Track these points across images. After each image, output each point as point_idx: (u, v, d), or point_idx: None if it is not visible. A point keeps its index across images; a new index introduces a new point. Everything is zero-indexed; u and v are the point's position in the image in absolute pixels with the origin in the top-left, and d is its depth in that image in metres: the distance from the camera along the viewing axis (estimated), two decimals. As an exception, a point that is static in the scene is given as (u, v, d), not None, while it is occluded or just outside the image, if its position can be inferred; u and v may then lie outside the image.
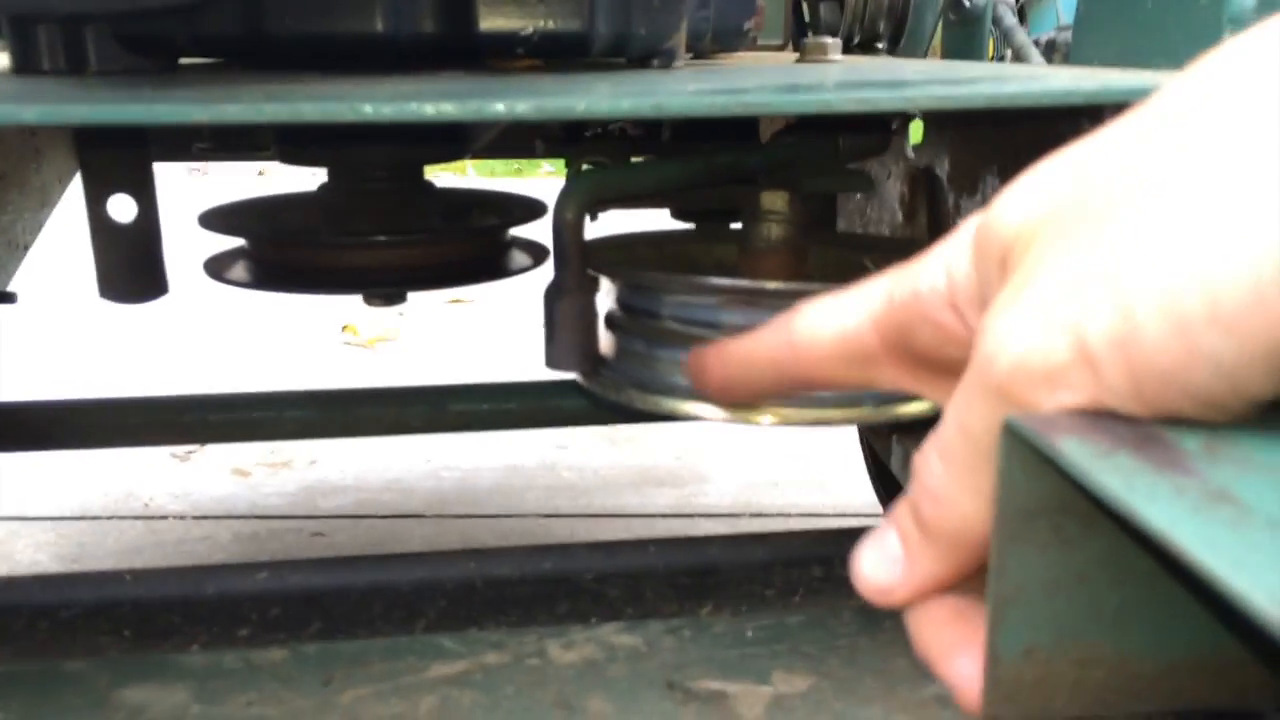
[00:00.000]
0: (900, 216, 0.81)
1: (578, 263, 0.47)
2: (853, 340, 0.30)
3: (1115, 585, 0.29)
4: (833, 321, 0.31)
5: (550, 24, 0.56)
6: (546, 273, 0.71)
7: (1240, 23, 0.47)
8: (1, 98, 0.37)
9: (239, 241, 0.68)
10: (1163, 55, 0.50)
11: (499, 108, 0.35)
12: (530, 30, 0.56)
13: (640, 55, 0.60)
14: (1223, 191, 0.21)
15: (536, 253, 0.74)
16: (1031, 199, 0.25)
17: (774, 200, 0.48)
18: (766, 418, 0.45)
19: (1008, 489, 0.27)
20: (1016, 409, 0.24)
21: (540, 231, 0.70)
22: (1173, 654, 0.29)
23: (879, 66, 0.62)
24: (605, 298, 0.51)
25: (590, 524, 1.23)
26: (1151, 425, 0.25)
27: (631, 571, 0.63)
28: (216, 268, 0.69)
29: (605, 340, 0.51)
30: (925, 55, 1.20)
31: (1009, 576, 0.29)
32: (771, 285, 0.46)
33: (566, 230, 0.47)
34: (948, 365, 0.28)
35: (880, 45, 1.17)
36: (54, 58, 0.54)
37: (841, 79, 0.49)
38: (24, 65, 0.55)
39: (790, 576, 0.63)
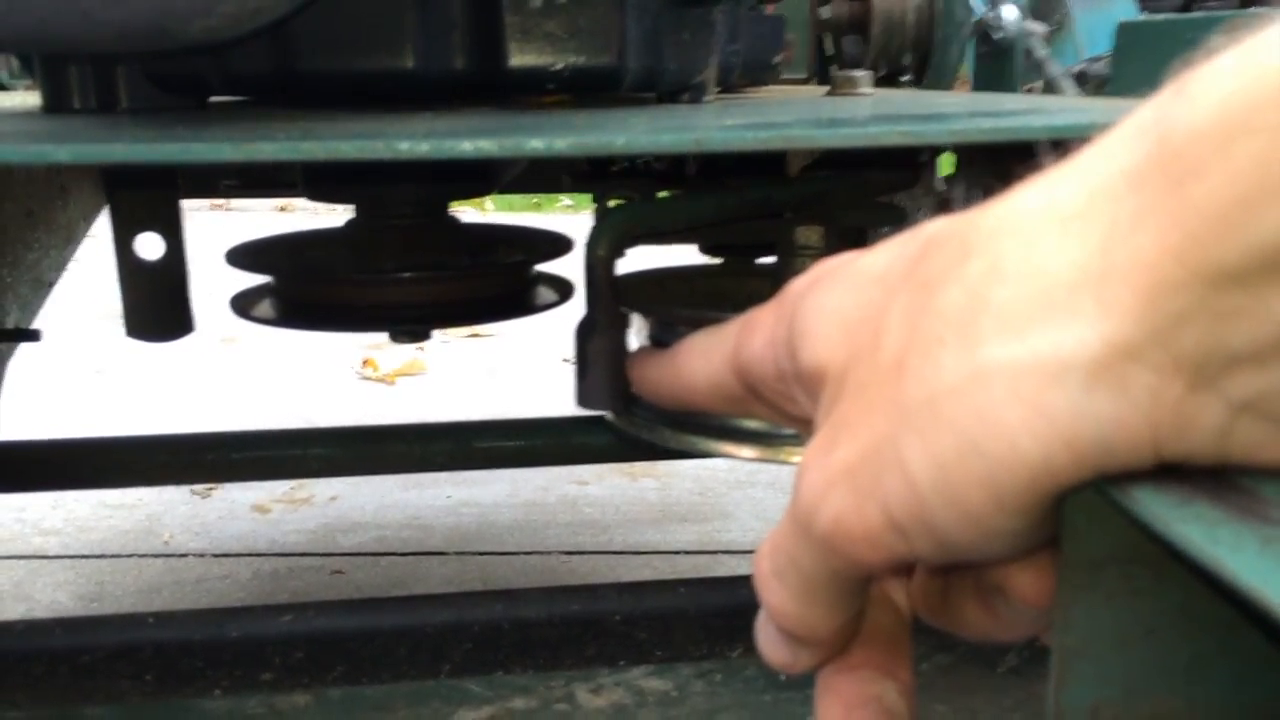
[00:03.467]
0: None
1: (609, 299, 0.47)
2: (719, 383, 0.32)
3: (1188, 636, 0.28)
4: (702, 363, 0.33)
5: (581, 60, 0.55)
6: (568, 306, 0.70)
7: (1286, 54, 0.46)
8: (34, 137, 0.36)
9: (263, 278, 0.68)
10: (1206, 87, 0.49)
11: (537, 145, 0.34)
12: (561, 66, 0.55)
13: (670, 90, 0.60)
14: (997, 358, 0.20)
15: (563, 288, 0.73)
16: (836, 333, 0.25)
17: (809, 235, 0.47)
18: (797, 457, 0.44)
19: (1074, 539, 0.26)
20: (842, 561, 0.24)
21: (566, 267, 0.70)
22: (1248, 705, 0.28)
23: (912, 99, 0.61)
24: (637, 334, 0.50)
25: (612, 561, 1.21)
26: (1227, 472, 0.24)
27: (660, 613, 0.62)
28: (243, 304, 0.69)
29: (638, 378, 0.50)
30: (950, 88, 1.19)
31: (1075, 629, 0.27)
32: None
33: (598, 266, 0.46)
34: (799, 415, 0.29)
35: (905, 78, 1.17)
36: (85, 96, 0.54)
37: (879, 112, 0.48)
38: (55, 104, 0.55)
39: (824, 619, 0.62)
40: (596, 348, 0.47)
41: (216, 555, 1.20)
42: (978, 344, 0.21)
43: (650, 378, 0.37)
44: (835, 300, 0.26)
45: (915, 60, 1.13)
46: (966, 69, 1.43)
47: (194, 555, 1.20)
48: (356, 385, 1.85)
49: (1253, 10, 0.74)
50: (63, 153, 0.32)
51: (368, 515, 1.31)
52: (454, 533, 1.27)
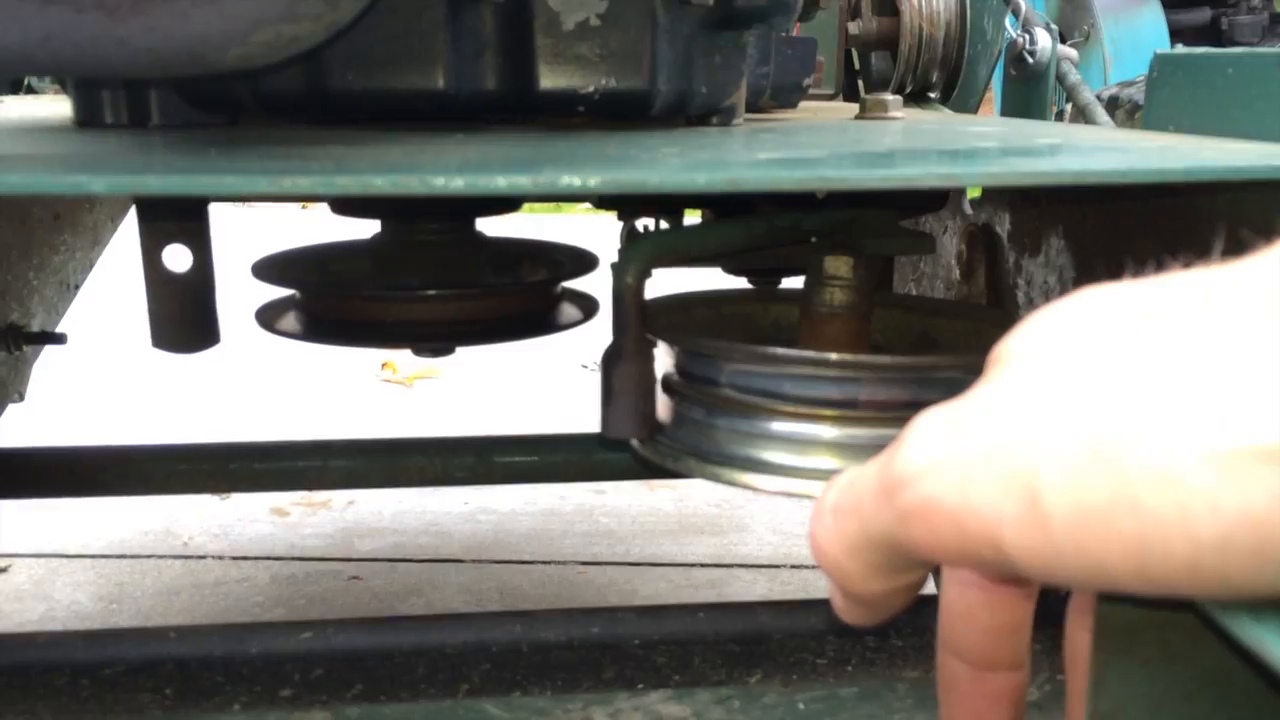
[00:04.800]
0: (957, 273, 0.80)
1: (637, 328, 0.46)
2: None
3: (1224, 702, 0.27)
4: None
5: (612, 83, 0.55)
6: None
7: (1326, 93, 0.45)
8: (68, 163, 0.36)
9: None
10: (1241, 124, 0.48)
11: (572, 181, 0.34)
12: (591, 89, 0.55)
13: (700, 113, 0.60)
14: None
15: (587, 305, 0.73)
16: (1038, 328, 0.23)
17: (838, 265, 0.47)
18: (818, 491, 0.44)
19: (1110, 602, 0.25)
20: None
21: (589, 281, 0.70)
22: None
23: (943, 125, 0.61)
24: (663, 361, 0.50)
25: (629, 572, 1.21)
26: None
27: (679, 638, 0.62)
28: (267, 317, 0.69)
29: (662, 405, 0.49)
30: (978, 107, 1.19)
31: (1109, 694, 0.27)
32: (834, 356, 0.44)
33: (626, 294, 0.46)
34: None
35: (932, 95, 1.16)
36: (117, 112, 0.55)
37: (912, 146, 0.48)
38: (87, 118, 0.55)
39: (843, 646, 0.62)
40: (623, 376, 0.47)
41: (235, 558, 1.21)
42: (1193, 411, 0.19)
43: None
44: (1048, 321, 0.23)
45: (943, 79, 1.12)
46: (993, 86, 1.42)
47: (213, 557, 1.21)
48: (376, 387, 1.86)
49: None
50: (99, 184, 0.32)
51: (385, 520, 1.31)
52: (471, 540, 1.28)
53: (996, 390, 0.23)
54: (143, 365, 1.81)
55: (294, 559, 1.21)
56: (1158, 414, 0.20)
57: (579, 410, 1.52)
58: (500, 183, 0.34)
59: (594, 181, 0.35)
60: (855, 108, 0.74)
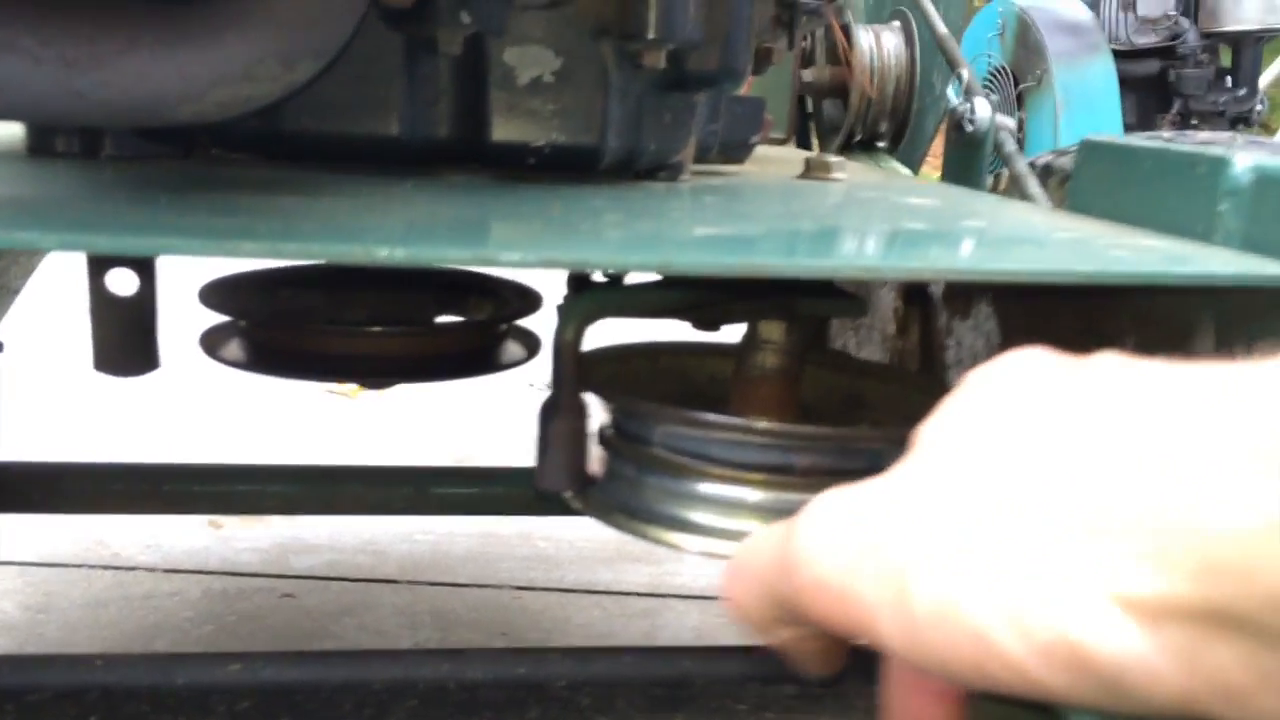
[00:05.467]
0: (893, 328, 0.82)
1: (573, 384, 0.48)
2: None
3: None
4: None
5: (562, 138, 0.57)
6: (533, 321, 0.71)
7: (1236, 195, 0.48)
8: (21, 214, 0.37)
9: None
10: (1155, 217, 0.51)
11: (512, 257, 0.35)
12: (542, 143, 0.56)
13: (648, 168, 0.61)
14: None
15: (530, 344, 0.74)
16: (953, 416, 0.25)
17: (770, 330, 0.48)
18: None
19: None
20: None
21: (534, 319, 0.71)
22: None
23: (881, 192, 0.63)
24: (599, 413, 0.52)
25: (564, 599, 1.22)
26: None
27: (605, 680, 0.63)
28: (211, 344, 0.69)
29: (596, 457, 0.51)
30: (923, 157, 1.22)
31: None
32: (762, 424, 0.46)
33: (564, 350, 0.48)
34: None
35: (881, 144, 1.19)
36: (69, 141, 0.55)
37: (843, 224, 0.50)
38: (38, 146, 0.55)
39: (764, 693, 0.63)
40: (558, 430, 0.48)
41: (167, 570, 1.20)
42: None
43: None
44: (968, 410, 0.25)
45: (892, 128, 1.16)
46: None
47: (144, 569, 1.20)
48: (320, 399, 1.85)
49: (1209, 139, 0.75)
50: (50, 241, 0.33)
51: (322, 537, 1.31)
52: (407, 560, 1.28)
53: (894, 482, 0.25)
54: (79, 374, 1.79)
55: (227, 573, 1.20)
56: (1020, 539, 0.22)
57: (523, 429, 1.53)
58: (440, 254, 0.36)
59: (533, 258, 0.36)
60: (801, 157, 0.76)
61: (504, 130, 0.56)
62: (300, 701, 0.59)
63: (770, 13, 0.70)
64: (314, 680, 0.59)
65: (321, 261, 0.36)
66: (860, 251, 0.41)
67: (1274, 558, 0.19)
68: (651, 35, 0.54)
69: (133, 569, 1.19)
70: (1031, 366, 0.26)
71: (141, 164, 0.54)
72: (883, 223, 0.49)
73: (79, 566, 1.19)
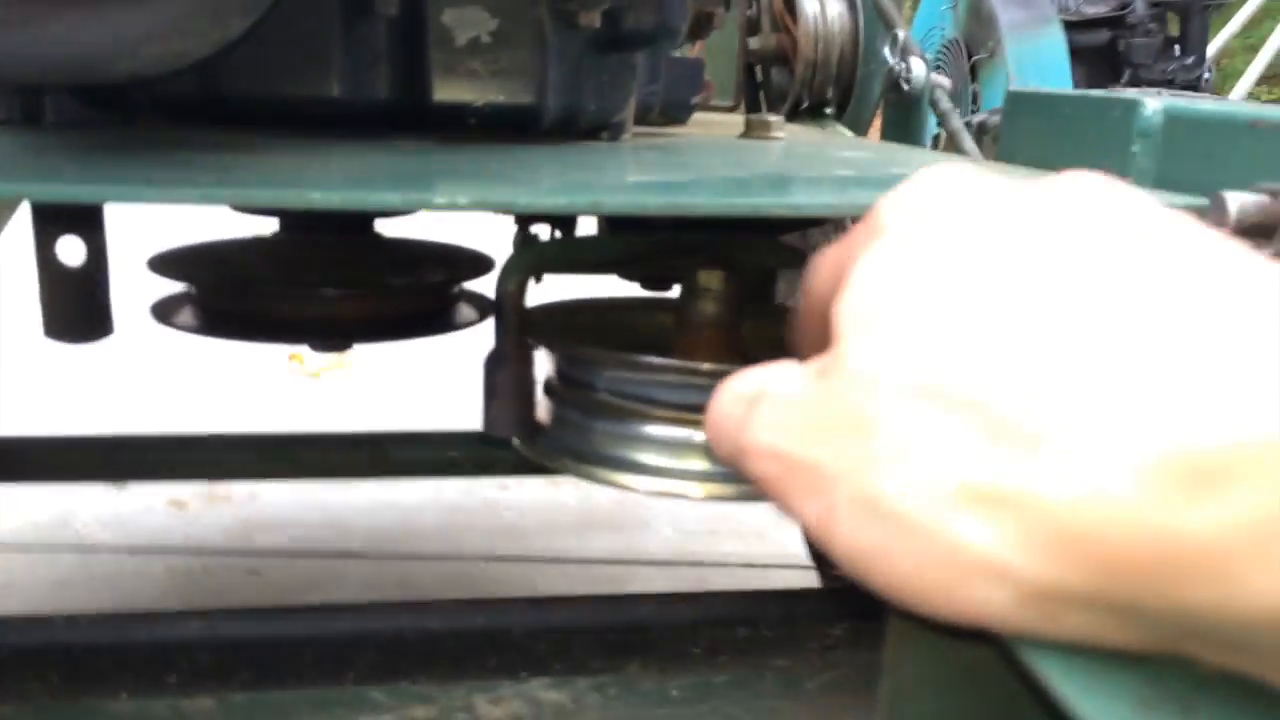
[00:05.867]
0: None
1: (518, 333, 0.49)
2: None
3: (1005, 681, 0.31)
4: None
5: (502, 98, 0.58)
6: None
7: (1148, 135, 0.50)
8: (-42, 166, 0.38)
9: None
10: (1076, 161, 0.53)
11: (440, 200, 0.37)
12: (482, 103, 0.57)
13: (589, 128, 0.63)
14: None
15: (482, 306, 0.75)
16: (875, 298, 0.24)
17: (709, 279, 0.50)
18: (697, 490, 0.47)
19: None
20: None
21: (487, 285, 0.72)
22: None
23: (818, 149, 0.65)
24: (546, 363, 0.53)
25: (530, 569, 1.23)
26: None
27: (562, 628, 0.64)
28: (164, 311, 0.70)
29: (543, 406, 0.52)
30: (870, 122, 1.24)
31: (900, 672, 0.31)
32: (704, 366, 0.48)
33: (508, 300, 0.49)
34: None
35: (828, 110, 1.21)
36: (9, 107, 0.55)
37: (776, 171, 0.51)
38: (-21, 114, 0.56)
39: (717, 636, 0.65)
40: (503, 378, 0.49)
41: (131, 551, 1.20)
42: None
43: (799, 329, 0.34)
44: (873, 279, 0.24)
45: (838, 94, 1.17)
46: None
47: (107, 550, 1.20)
48: (283, 380, 1.85)
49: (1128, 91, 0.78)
50: (-14, 190, 0.34)
51: (287, 514, 1.32)
52: (373, 534, 1.29)
53: (819, 389, 0.25)
54: (39, 353, 1.78)
55: (191, 552, 1.20)
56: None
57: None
58: (372, 199, 0.37)
59: (462, 199, 0.37)
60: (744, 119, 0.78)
61: (444, 91, 0.57)
62: (260, 656, 0.60)
63: (707, -26, 0.71)
64: (274, 635, 0.60)
65: (264, 206, 0.37)
66: (785, 192, 0.43)
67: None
68: (586, -6, 0.55)
69: (96, 549, 1.20)
70: (957, 197, 0.25)
71: (84, 130, 0.54)
72: (812, 171, 0.51)
73: (41, 548, 1.19)
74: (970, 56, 3.56)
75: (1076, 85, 3.54)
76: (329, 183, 0.39)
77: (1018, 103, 0.59)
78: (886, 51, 0.77)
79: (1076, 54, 3.52)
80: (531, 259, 0.51)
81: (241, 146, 0.51)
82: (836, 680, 0.66)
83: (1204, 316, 0.20)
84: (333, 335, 0.67)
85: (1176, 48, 3.70)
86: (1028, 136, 0.59)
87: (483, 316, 0.74)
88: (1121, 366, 0.20)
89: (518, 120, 0.59)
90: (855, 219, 0.28)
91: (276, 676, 0.60)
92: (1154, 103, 0.50)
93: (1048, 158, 0.56)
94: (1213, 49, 3.86)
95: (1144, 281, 0.21)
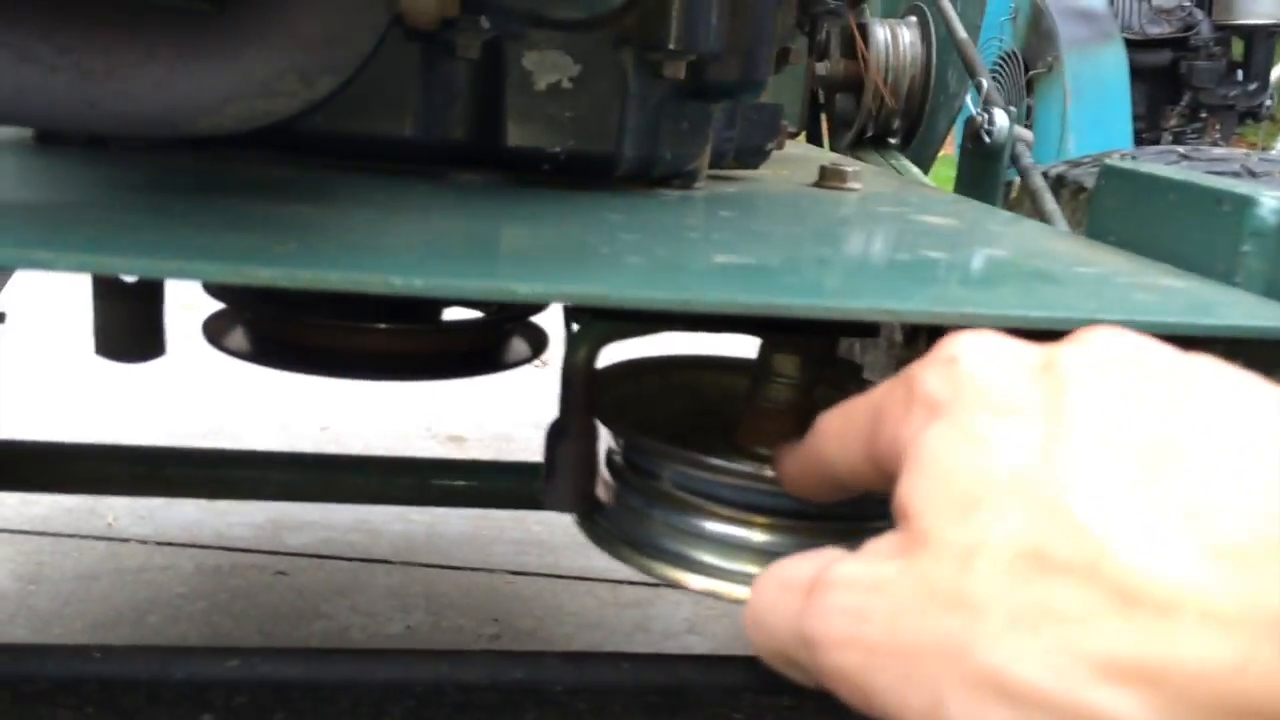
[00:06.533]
0: (900, 337, 0.82)
1: (584, 409, 0.47)
2: (859, 472, 0.31)
3: None
4: (839, 450, 0.32)
5: (578, 145, 0.56)
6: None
7: (1262, 235, 0.48)
8: (30, 228, 0.36)
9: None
10: (1175, 252, 0.51)
11: (524, 290, 0.35)
12: (558, 149, 0.56)
13: (663, 176, 0.61)
14: None
15: (536, 341, 0.74)
16: (937, 496, 0.24)
17: (784, 364, 0.48)
18: (742, 591, 0.45)
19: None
20: None
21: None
22: None
23: (896, 214, 0.62)
24: (609, 435, 0.51)
25: (557, 586, 1.22)
26: None
27: (601, 685, 0.63)
28: (214, 330, 0.68)
29: (604, 483, 0.51)
30: (935, 156, 1.21)
31: None
32: (769, 472, 0.46)
33: (575, 375, 0.47)
34: None
35: (893, 142, 1.18)
36: (78, 132, 0.54)
37: (866, 251, 0.49)
38: (46, 133, 0.54)
39: (760, 703, 0.63)
40: (566, 453, 0.48)
41: (160, 543, 1.20)
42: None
43: (793, 472, 0.36)
44: (948, 455, 0.24)
45: (905, 126, 1.15)
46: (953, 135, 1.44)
47: (137, 541, 1.20)
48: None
49: (1233, 155, 0.74)
50: (64, 263, 0.33)
51: (316, 514, 1.31)
52: (401, 541, 1.28)
53: (902, 570, 0.24)
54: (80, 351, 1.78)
55: (220, 549, 1.20)
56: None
57: (530, 409, 1.53)
58: (453, 285, 0.35)
59: (548, 291, 0.36)
60: (814, 157, 0.76)
61: (520, 135, 0.55)
62: (296, 699, 0.59)
63: (792, 20, 0.69)
64: (311, 679, 0.59)
65: (336, 290, 0.35)
66: (883, 290, 0.41)
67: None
68: (673, 46, 0.53)
69: (125, 540, 1.19)
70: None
71: (151, 156, 0.53)
72: (901, 251, 0.49)
73: (72, 537, 1.18)
74: (1027, 70, 3.51)
75: (1135, 105, 3.48)
76: (407, 260, 0.38)
77: (1113, 178, 0.57)
78: (969, 101, 0.74)
79: (1137, 73, 3.47)
80: (599, 334, 0.49)
81: (314, 192, 0.49)
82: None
83: None
84: (386, 370, 0.66)
85: (1239, 72, 3.63)
86: (1122, 214, 0.56)
87: (536, 352, 0.73)
88: (1241, 522, 0.19)
89: (591, 167, 0.57)
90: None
91: (311, 721, 0.59)
92: (1271, 201, 0.47)
93: (1143, 241, 0.54)
94: (1276, 74, 3.79)
95: (1243, 435, 0.21)
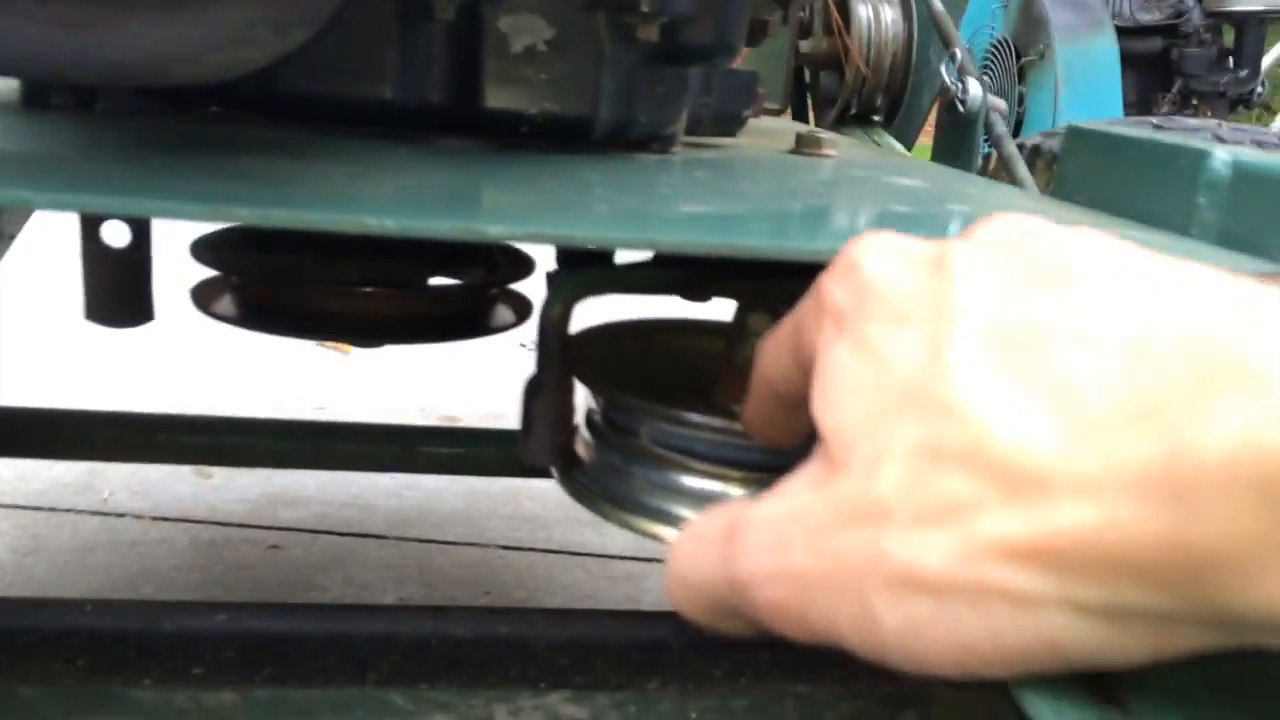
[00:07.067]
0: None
1: (560, 362, 0.48)
2: (795, 383, 0.32)
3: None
4: (773, 364, 0.33)
5: (555, 107, 0.57)
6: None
7: (1215, 188, 0.49)
8: (12, 168, 0.37)
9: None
10: (1136, 207, 0.52)
11: (498, 230, 0.36)
12: (535, 111, 0.57)
13: (640, 140, 0.62)
14: None
15: (521, 309, 0.75)
16: (846, 410, 0.25)
17: (758, 322, 0.49)
18: None
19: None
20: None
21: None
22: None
23: (869, 176, 0.64)
24: (586, 393, 0.52)
25: (549, 560, 1.23)
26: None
27: (584, 641, 0.64)
28: (203, 296, 0.70)
29: (584, 441, 0.52)
30: (919, 133, 1.22)
31: None
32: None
33: (551, 329, 0.48)
34: None
35: (876, 118, 1.19)
36: (63, 95, 0.55)
37: (831, 202, 0.51)
38: (33, 98, 0.56)
39: (738, 658, 0.65)
40: (542, 408, 0.49)
41: (155, 518, 1.21)
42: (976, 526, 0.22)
43: (749, 411, 0.37)
44: (852, 371, 0.25)
45: (887, 103, 1.16)
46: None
47: (132, 516, 1.21)
48: (312, 353, 1.86)
49: (1199, 123, 0.76)
50: (42, 200, 0.34)
51: (310, 489, 1.32)
52: (395, 516, 1.29)
53: (816, 495, 0.25)
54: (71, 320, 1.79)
55: (215, 523, 1.21)
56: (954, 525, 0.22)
57: (515, 387, 1.54)
58: (428, 226, 0.36)
59: (519, 231, 0.37)
60: (794, 129, 0.77)
61: (497, 98, 0.56)
62: (283, 652, 0.60)
63: (767, -12, 0.70)
64: (298, 632, 0.61)
65: (318, 229, 0.37)
66: (848, 233, 0.42)
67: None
68: (645, 8, 0.54)
69: (121, 515, 1.21)
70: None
71: (136, 119, 0.54)
72: (870, 205, 0.50)
73: (68, 511, 1.20)
74: (1019, 58, 3.52)
75: (1127, 93, 3.49)
76: (382, 205, 0.39)
77: (1078, 138, 0.58)
78: (943, 70, 0.76)
79: (1128, 61, 3.47)
80: (576, 285, 0.50)
81: (294, 149, 0.50)
82: (857, 710, 0.65)
83: (1180, 336, 0.21)
84: (372, 333, 0.67)
85: (1230, 60, 3.64)
86: (1086, 174, 0.57)
87: (520, 319, 0.74)
88: (1101, 395, 0.21)
89: (569, 130, 0.58)
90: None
91: (299, 673, 0.60)
92: (1223, 154, 0.49)
93: (1107, 199, 0.55)
94: (1267, 61, 3.79)
95: (1108, 313, 0.22)
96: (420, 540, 1.24)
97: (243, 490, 1.31)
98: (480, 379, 1.74)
